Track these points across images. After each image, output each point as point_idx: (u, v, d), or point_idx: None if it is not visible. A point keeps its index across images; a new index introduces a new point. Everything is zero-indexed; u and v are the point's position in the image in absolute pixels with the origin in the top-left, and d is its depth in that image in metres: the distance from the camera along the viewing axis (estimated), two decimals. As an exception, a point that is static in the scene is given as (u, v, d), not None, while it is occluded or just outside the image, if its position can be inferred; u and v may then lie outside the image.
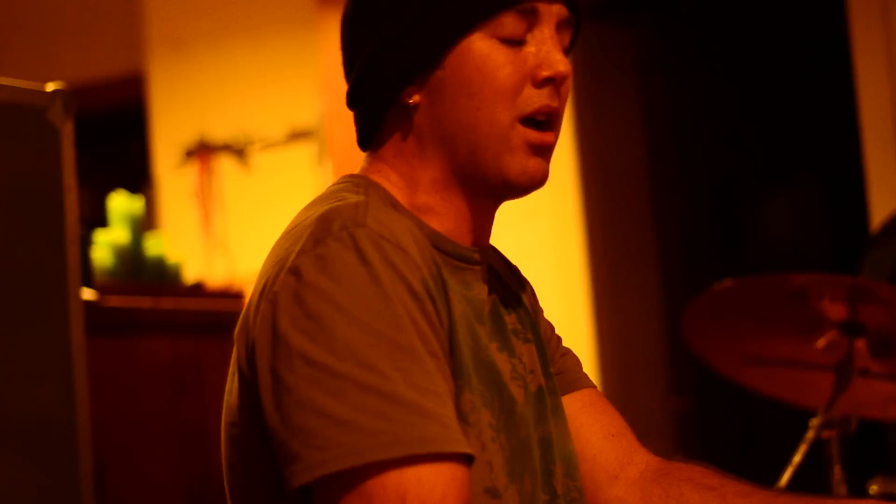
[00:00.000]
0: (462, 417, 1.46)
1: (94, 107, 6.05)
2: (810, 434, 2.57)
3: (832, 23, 4.69)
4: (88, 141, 6.34)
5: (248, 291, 1.64)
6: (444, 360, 1.44)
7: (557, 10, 1.57)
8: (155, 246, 3.81)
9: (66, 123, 2.56)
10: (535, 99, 1.55)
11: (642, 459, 1.74)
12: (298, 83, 5.01)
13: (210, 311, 3.55)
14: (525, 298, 1.74)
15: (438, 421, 1.36)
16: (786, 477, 2.55)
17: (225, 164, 5.29)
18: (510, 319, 1.66)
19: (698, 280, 3.22)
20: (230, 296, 3.84)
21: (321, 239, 1.42)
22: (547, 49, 1.55)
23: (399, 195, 1.58)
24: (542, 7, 1.55)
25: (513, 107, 1.54)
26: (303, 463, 1.35)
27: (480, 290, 1.60)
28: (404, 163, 1.59)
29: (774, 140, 5.53)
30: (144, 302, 3.44)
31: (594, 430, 1.74)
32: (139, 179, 5.79)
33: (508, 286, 1.72)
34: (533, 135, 1.56)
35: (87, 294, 3.04)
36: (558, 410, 1.68)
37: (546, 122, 1.57)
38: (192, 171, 5.36)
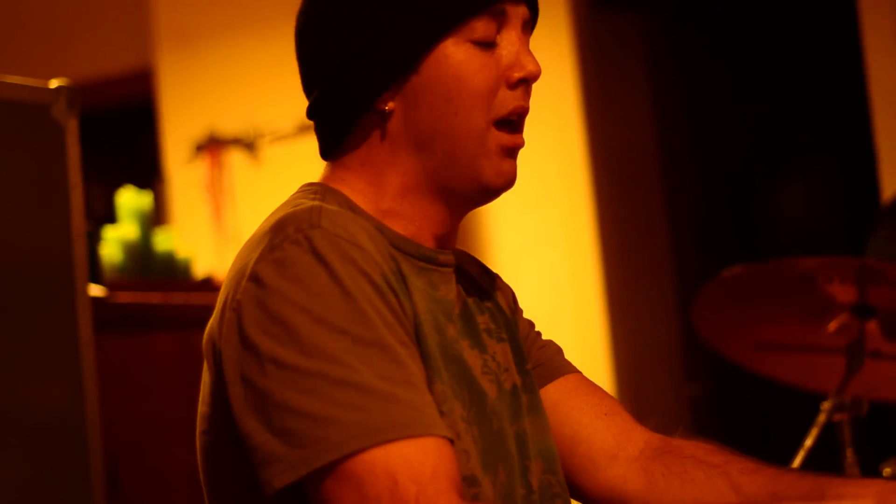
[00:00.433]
0: (436, 406, 1.46)
1: (103, 103, 6.05)
2: (822, 418, 2.56)
3: (842, 5, 4.67)
4: (99, 137, 6.36)
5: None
6: (415, 349, 1.46)
7: (522, 12, 1.60)
8: (165, 241, 3.81)
9: (70, 120, 2.56)
10: (510, 100, 1.58)
11: (641, 437, 1.73)
12: (307, 76, 4.98)
13: (220, 306, 3.54)
14: (501, 300, 1.74)
15: (413, 407, 1.38)
16: (798, 461, 2.54)
17: (235, 158, 5.29)
18: (483, 319, 1.67)
19: (712, 266, 3.21)
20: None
21: (278, 244, 1.43)
22: (517, 50, 1.58)
23: (363, 201, 1.58)
24: (510, 9, 1.58)
25: (489, 110, 1.56)
26: (284, 463, 1.37)
27: (448, 291, 1.60)
28: (372, 169, 1.59)
29: (786, 124, 5.51)
30: (154, 297, 3.45)
31: (585, 412, 1.73)
32: (150, 175, 5.79)
33: (482, 288, 1.72)
34: (506, 138, 1.58)
35: (96, 290, 3.05)
36: (535, 408, 1.67)
37: (517, 122, 1.60)
38: (202, 165, 5.36)
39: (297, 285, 1.40)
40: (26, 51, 6.16)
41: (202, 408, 1.55)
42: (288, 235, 1.43)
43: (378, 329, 1.40)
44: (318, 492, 1.37)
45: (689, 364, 5.18)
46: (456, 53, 1.55)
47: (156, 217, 5.24)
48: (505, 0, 1.57)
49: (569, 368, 1.78)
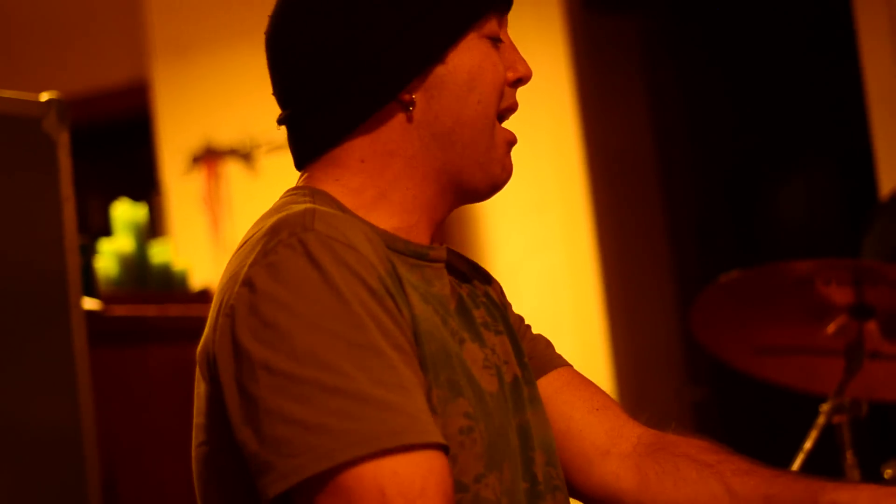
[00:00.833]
0: (433, 411, 1.45)
1: (100, 116, 6.05)
2: (821, 419, 2.55)
3: (838, 6, 4.67)
4: (96, 150, 6.37)
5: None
6: (411, 353, 1.44)
7: (506, 15, 1.65)
8: (160, 253, 3.80)
9: (61, 133, 2.55)
10: (510, 97, 1.62)
11: (633, 432, 1.72)
12: (303, 85, 4.97)
13: (218, 317, 3.53)
14: (493, 293, 1.74)
15: (406, 414, 1.36)
16: (797, 463, 2.53)
17: (232, 169, 5.28)
18: (479, 313, 1.66)
19: (712, 268, 3.21)
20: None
21: (271, 248, 1.42)
22: (513, 50, 1.64)
23: (357, 199, 1.57)
24: (505, 10, 1.64)
25: (500, 102, 1.61)
26: (276, 472, 1.35)
27: (443, 286, 1.60)
28: (377, 164, 1.58)
29: (783, 125, 5.50)
30: (150, 310, 3.44)
31: (576, 407, 1.72)
32: (147, 187, 5.79)
33: (473, 283, 1.71)
34: (510, 134, 1.62)
35: (91, 304, 3.04)
36: (535, 400, 1.67)
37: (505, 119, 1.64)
38: (199, 176, 5.35)
39: (290, 290, 1.39)
40: (21, 65, 6.16)
41: (198, 419, 1.53)
42: (282, 239, 1.42)
43: (372, 333, 1.39)
44: (307, 502, 1.36)
45: (690, 368, 5.17)
46: (479, 45, 1.58)
47: (153, 229, 5.24)
48: None
49: (560, 362, 1.77)
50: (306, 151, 1.62)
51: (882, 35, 4.33)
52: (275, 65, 1.62)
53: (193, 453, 1.55)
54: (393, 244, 1.55)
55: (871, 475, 2.72)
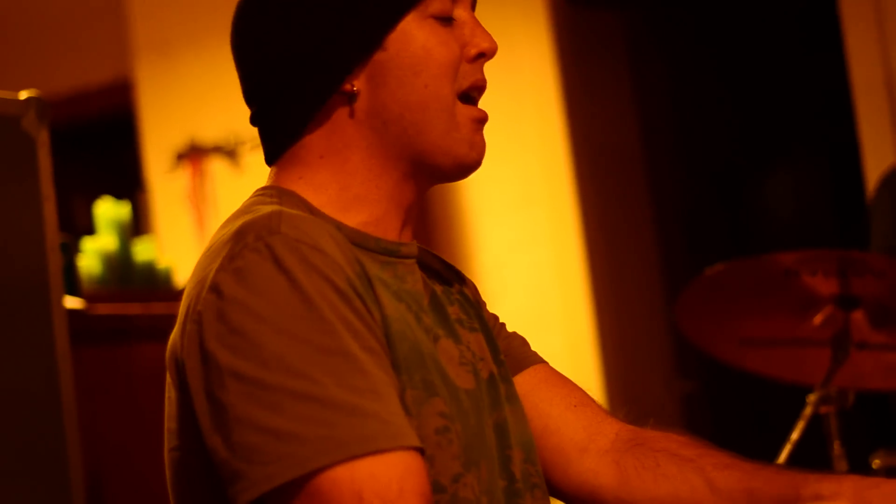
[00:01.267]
0: (407, 412, 1.44)
1: (84, 115, 6.04)
2: (808, 410, 2.55)
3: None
4: (80, 149, 6.36)
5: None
6: (383, 354, 1.42)
7: None
8: (144, 251, 3.79)
9: (41, 131, 2.53)
10: (471, 74, 1.59)
11: (612, 429, 1.71)
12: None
13: (202, 315, 3.51)
14: (466, 291, 1.73)
15: (378, 418, 1.34)
16: (784, 454, 2.52)
17: (217, 166, 5.27)
18: (453, 310, 1.65)
19: (699, 262, 3.20)
20: (223, 298, 3.80)
21: (238, 252, 1.40)
22: (472, 25, 1.60)
23: (324, 196, 1.56)
24: None
25: (454, 82, 1.57)
26: (247, 480, 1.34)
27: (415, 282, 1.59)
28: (334, 158, 1.57)
29: (770, 119, 5.50)
30: (134, 308, 3.42)
31: (554, 403, 1.71)
32: (132, 185, 5.78)
33: (446, 280, 1.70)
34: (473, 110, 1.59)
35: (74, 303, 3.02)
36: (513, 398, 1.65)
37: (476, 98, 1.60)
38: (184, 174, 5.34)
39: (257, 295, 1.37)
40: (4, 64, 6.14)
41: (169, 424, 1.52)
42: (248, 243, 1.40)
43: (342, 337, 1.37)
44: None
45: (678, 362, 5.16)
46: (420, 27, 1.55)
47: (138, 227, 5.23)
48: None
49: (536, 359, 1.75)
50: (270, 149, 1.61)
51: (867, 27, 4.33)
52: (237, 65, 1.62)
53: (166, 459, 1.54)
54: (364, 242, 1.54)
55: (859, 465, 2.72)
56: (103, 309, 3.29)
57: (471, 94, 1.59)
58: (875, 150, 4.28)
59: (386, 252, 1.56)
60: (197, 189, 5.30)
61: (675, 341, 5.07)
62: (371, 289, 1.46)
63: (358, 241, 1.53)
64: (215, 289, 1.39)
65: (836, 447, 2.58)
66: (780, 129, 5.49)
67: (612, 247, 4.98)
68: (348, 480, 1.31)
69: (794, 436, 2.54)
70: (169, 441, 1.52)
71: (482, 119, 1.60)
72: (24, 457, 2.42)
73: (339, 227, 1.53)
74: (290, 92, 1.56)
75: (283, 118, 1.58)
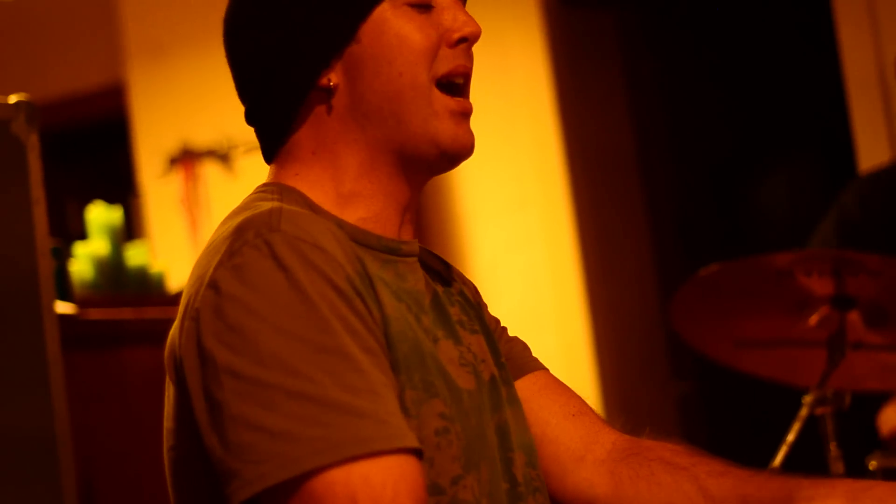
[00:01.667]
0: (406, 413, 1.43)
1: (76, 120, 6.03)
2: (804, 412, 2.54)
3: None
4: (73, 154, 6.35)
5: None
6: (382, 355, 1.41)
7: None
8: (137, 255, 3.78)
9: (30, 135, 2.52)
10: (451, 59, 1.57)
11: (608, 438, 1.70)
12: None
13: (196, 319, 3.51)
14: (467, 292, 1.72)
15: (375, 419, 1.33)
16: (780, 456, 2.51)
17: (210, 170, 5.27)
18: (454, 311, 1.64)
19: (694, 262, 3.19)
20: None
21: (237, 249, 1.40)
22: (454, 11, 1.58)
23: (321, 192, 1.55)
24: None
25: (430, 68, 1.55)
26: (241, 479, 1.33)
27: (417, 281, 1.58)
28: (326, 154, 1.56)
29: (764, 118, 5.49)
30: (126, 313, 3.41)
31: (553, 411, 1.71)
32: (125, 190, 5.77)
33: (448, 281, 1.69)
34: (452, 101, 1.57)
35: (66, 308, 3.01)
36: (514, 401, 1.65)
37: (463, 85, 1.59)
38: (177, 178, 5.33)
39: (256, 293, 1.36)
40: (-3, 71, 6.13)
41: (167, 422, 1.51)
42: (247, 240, 1.39)
43: (340, 336, 1.36)
44: None
45: (673, 363, 5.15)
46: (394, 16, 1.54)
47: (132, 232, 5.22)
48: None
49: (537, 365, 1.75)
50: (265, 147, 1.62)
51: (861, 26, 4.32)
52: (228, 64, 1.62)
53: (165, 458, 1.53)
54: (365, 240, 1.53)
55: (855, 467, 2.71)
56: (95, 314, 3.28)
57: (453, 81, 1.57)
58: (870, 150, 4.27)
59: (387, 250, 1.55)
60: (190, 193, 5.29)
61: (669, 342, 5.06)
62: (372, 288, 1.46)
63: (359, 238, 1.52)
64: (214, 285, 1.38)
65: (833, 449, 2.57)
66: (774, 128, 5.48)
67: (607, 248, 4.97)
68: (343, 482, 1.30)
69: (790, 437, 2.53)
70: (167, 440, 1.52)
71: (463, 111, 1.57)
72: (15, 463, 2.41)
73: (340, 224, 1.52)
74: (272, 89, 1.56)
75: (270, 116, 1.58)
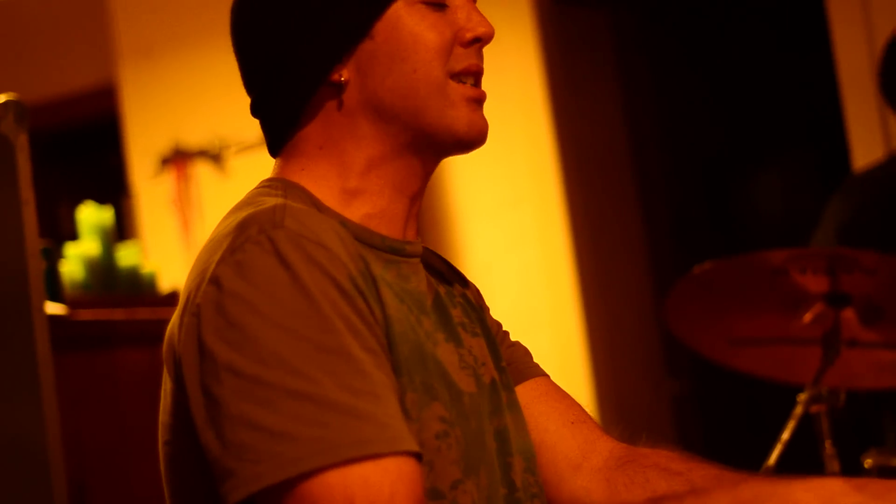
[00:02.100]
0: (407, 416, 1.42)
1: (68, 121, 6.02)
2: (798, 410, 2.53)
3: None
4: (65, 155, 6.34)
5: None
6: (383, 355, 1.40)
7: None
8: (128, 256, 3.76)
9: (19, 135, 2.50)
10: (464, 58, 1.57)
11: (605, 447, 1.70)
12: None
13: (187, 320, 3.50)
14: (470, 295, 1.71)
15: (375, 421, 1.32)
16: (775, 455, 2.50)
17: (202, 170, 5.25)
18: (456, 313, 1.63)
19: (688, 261, 3.19)
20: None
21: (239, 245, 1.38)
22: (468, 11, 1.58)
23: (326, 188, 1.54)
24: None
25: (445, 64, 1.55)
26: (237, 478, 1.31)
27: (419, 282, 1.57)
28: (333, 149, 1.55)
29: (757, 115, 5.49)
30: (118, 313, 3.40)
31: (552, 419, 1.70)
32: (117, 191, 5.76)
33: (450, 282, 1.69)
34: (468, 89, 1.57)
35: (56, 308, 3.00)
36: (514, 406, 1.64)
37: (475, 82, 1.58)
38: (168, 178, 5.32)
39: (257, 289, 1.35)
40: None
41: (163, 417, 1.50)
42: (250, 236, 1.38)
43: (342, 336, 1.35)
44: None
45: (668, 361, 5.14)
46: (408, 14, 1.54)
47: (123, 232, 5.20)
48: None
49: (538, 371, 1.74)
50: (270, 140, 1.60)
51: (855, 25, 4.31)
52: (235, 56, 1.61)
53: (160, 452, 1.52)
54: (369, 239, 1.53)
55: (851, 465, 2.70)
56: (86, 315, 3.27)
57: (464, 79, 1.57)
58: (863, 147, 4.27)
59: (391, 250, 1.55)
60: (182, 193, 5.28)
61: (664, 341, 5.05)
62: (374, 287, 1.45)
63: (363, 237, 1.52)
64: (215, 281, 1.37)
65: (828, 447, 2.56)
66: (767, 126, 5.48)
67: (601, 246, 4.96)
68: (341, 485, 1.29)
69: (785, 436, 2.52)
70: (163, 434, 1.51)
71: (478, 98, 1.57)
72: (5, 464, 2.39)
73: (344, 222, 1.51)
74: (282, 83, 1.55)
75: (277, 109, 1.57)
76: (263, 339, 1.33)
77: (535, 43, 4.80)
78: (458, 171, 4.84)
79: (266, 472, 1.30)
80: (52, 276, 3.08)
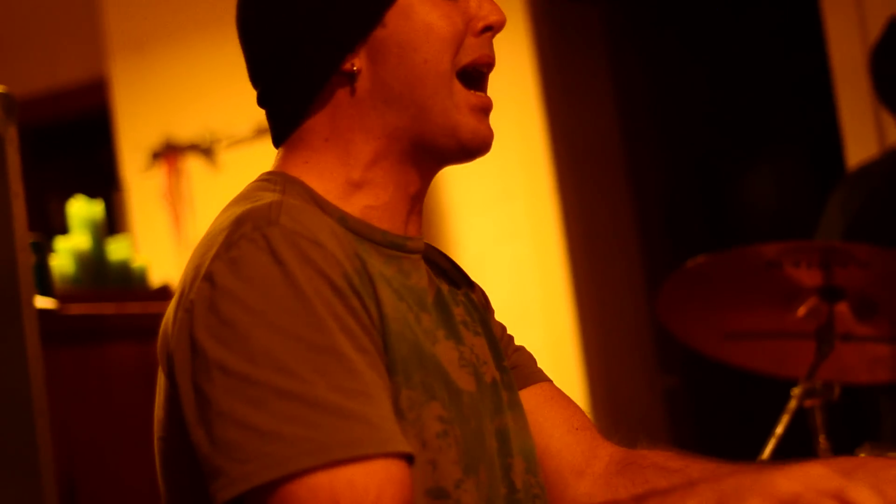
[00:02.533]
0: (401, 415, 1.41)
1: (59, 115, 6.01)
2: (792, 404, 2.52)
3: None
4: (55, 149, 6.32)
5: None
6: (377, 355, 1.39)
7: None
8: (118, 250, 3.74)
9: (9, 128, 2.48)
10: (476, 48, 1.56)
11: (606, 452, 1.70)
12: (263, 78, 4.94)
13: (178, 314, 3.48)
14: (473, 295, 1.70)
15: (366, 422, 1.31)
16: (769, 449, 2.49)
17: (193, 164, 5.24)
18: (458, 311, 1.62)
19: (681, 255, 3.18)
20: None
21: (234, 242, 1.37)
22: (480, 0, 1.57)
23: (329, 180, 1.53)
24: None
25: (454, 57, 1.54)
26: (226, 477, 1.30)
27: (420, 279, 1.56)
28: (339, 140, 1.54)
29: (751, 110, 5.48)
30: (108, 308, 3.39)
31: (557, 425, 1.70)
32: (108, 185, 5.74)
33: (454, 281, 1.68)
34: (474, 97, 1.56)
35: (46, 303, 2.99)
36: (515, 405, 1.63)
37: (483, 77, 1.58)
38: (159, 172, 5.31)
39: (251, 287, 1.34)
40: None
41: (158, 412, 1.50)
42: (245, 233, 1.37)
43: (335, 335, 1.33)
44: None
45: (661, 356, 5.13)
46: (420, 3, 1.53)
47: (114, 226, 5.19)
48: None
49: (542, 377, 1.74)
50: (276, 131, 1.59)
51: (848, 20, 4.31)
52: (241, 45, 1.60)
53: (155, 447, 1.52)
54: (370, 234, 1.51)
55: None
56: (76, 309, 3.25)
57: (476, 73, 1.56)
58: (856, 141, 4.26)
59: (392, 245, 1.54)
60: (173, 188, 5.27)
61: (656, 335, 5.05)
62: (371, 286, 1.43)
63: (363, 232, 1.51)
64: (209, 278, 1.36)
65: (822, 441, 2.55)
66: (760, 120, 5.47)
67: (593, 240, 4.95)
68: (327, 486, 1.28)
69: (779, 430, 2.52)
70: (157, 429, 1.50)
71: (484, 107, 1.57)
72: (-6, 460, 2.38)
73: (344, 217, 1.50)
74: (292, 72, 1.53)
75: (285, 99, 1.55)
76: (255, 338, 1.32)
77: (528, 37, 4.79)
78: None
79: (254, 471, 1.29)
80: (42, 270, 3.07)
